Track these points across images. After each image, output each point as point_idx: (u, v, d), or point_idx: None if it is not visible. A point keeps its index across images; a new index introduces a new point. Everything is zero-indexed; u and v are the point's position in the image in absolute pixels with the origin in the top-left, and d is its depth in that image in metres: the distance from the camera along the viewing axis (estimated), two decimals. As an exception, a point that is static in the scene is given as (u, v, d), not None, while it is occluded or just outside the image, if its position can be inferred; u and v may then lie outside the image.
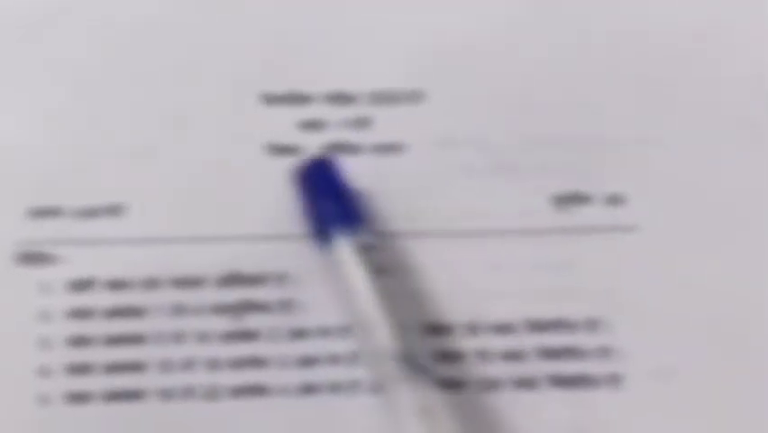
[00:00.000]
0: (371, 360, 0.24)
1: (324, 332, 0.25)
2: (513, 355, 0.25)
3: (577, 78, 0.28)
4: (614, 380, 0.25)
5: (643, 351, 0.26)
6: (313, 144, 0.27)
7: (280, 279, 0.26)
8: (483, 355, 0.26)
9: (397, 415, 0.23)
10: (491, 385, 0.25)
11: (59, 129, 0.26)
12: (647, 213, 0.27)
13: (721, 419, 0.25)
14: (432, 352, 0.25)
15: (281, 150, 0.27)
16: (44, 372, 0.25)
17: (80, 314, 0.25)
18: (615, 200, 0.27)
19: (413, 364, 0.23)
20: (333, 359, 0.25)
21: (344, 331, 0.26)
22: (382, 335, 0.23)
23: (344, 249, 0.24)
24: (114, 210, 0.26)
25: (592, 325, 0.26)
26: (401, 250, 0.26)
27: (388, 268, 0.25)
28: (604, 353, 0.26)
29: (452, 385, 0.25)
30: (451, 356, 0.26)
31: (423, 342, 0.25)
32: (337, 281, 0.25)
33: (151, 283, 0.26)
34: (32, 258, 0.26)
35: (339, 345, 0.25)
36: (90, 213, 0.26)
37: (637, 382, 0.25)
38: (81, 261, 0.26)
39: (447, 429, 0.23)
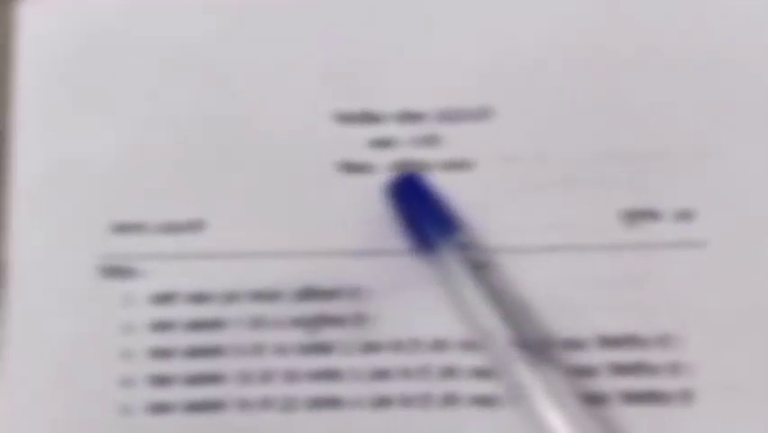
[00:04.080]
0: (492, 354, 0.25)
1: (397, 346, 0.26)
2: (584, 371, 0.26)
3: (643, 93, 0.28)
4: (685, 396, 0.26)
5: (714, 366, 0.26)
6: (384, 162, 0.27)
7: (354, 293, 0.26)
8: (554, 370, 0.26)
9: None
10: (562, 400, 0.26)
11: (141, 147, 0.27)
12: (717, 228, 0.27)
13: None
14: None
15: (353, 168, 0.27)
16: (127, 382, 0.26)
17: (162, 326, 0.26)
18: (684, 216, 0.27)
19: (533, 350, 0.24)
20: (406, 373, 0.26)
21: (415, 345, 0.26)
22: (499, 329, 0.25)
23: (450, 255, 0.25)
24: (194, 226, 0.27)
25: (663, 340, 0.26)
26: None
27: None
28: (675, 368, 0.26)
29: (520, 400, 0.26)
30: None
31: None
32: (445, 288, 0.25)
33: (231, 297, 0.26)
34: (116, 271, 0.27)
35: (411, 359, 0.26)
36: (172, 228, 0.27)
37: (709, 398, 0.25)
38: (163, 274, 0.27)
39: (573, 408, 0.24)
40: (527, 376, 0.24)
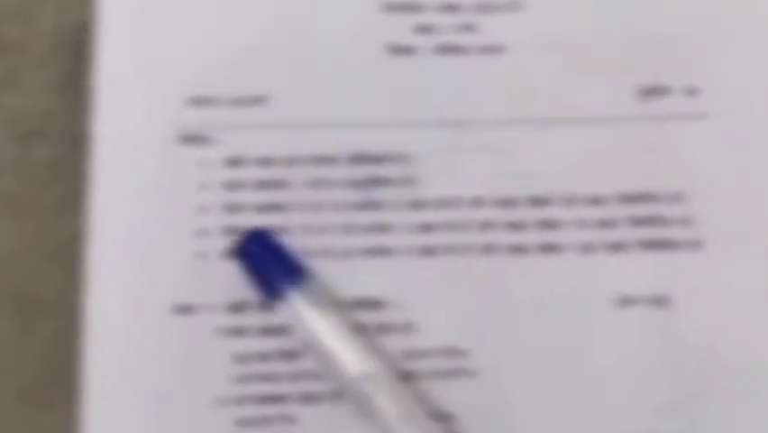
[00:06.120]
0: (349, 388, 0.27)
1: (441, 203, 0.29)
2: (606, 223, 0.29)
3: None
4: (695, 244, 0.29)
5: (720, 219, 0.29)
6: (426, 45, 0.31)
7: (401, 158, 0.30)
8: (580, 224, 0.29)
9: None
10: (587, 249, 0.29)
11: (214, 32, 0.31)
12: (719, 102, 0.30)
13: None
14: (533, 222, 0.30)
15: (399, 50, 0.31)
16: (202, 233, 0.29)
17: (233, 186, 0.30)
18: (691, 92, 0.30)
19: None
20: (450, 226, 0.29)
21: (456, 202, 0.30)
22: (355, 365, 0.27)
23: (300, 301, 0.27)
24: (260, 100, 0.30)
25: (675, 197, 0.30)
26: (501, 135, 0.30)
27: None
28: (686, 221, 0.29)
29: (549, 249, 0.29)
30: (550, 225, 0.29)
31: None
32: (299, 333, 0.28)
33: (292, 161, 0.30)
34: (192, 139, 0.30)
35: (453, 215, 0.29)
36: (240, 102, 0.30)
37: (715, 246, 0.29)
38: (233, 142, 0.30)
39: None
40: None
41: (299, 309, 0.27)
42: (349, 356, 0.27)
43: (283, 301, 0.28)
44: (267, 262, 0.28)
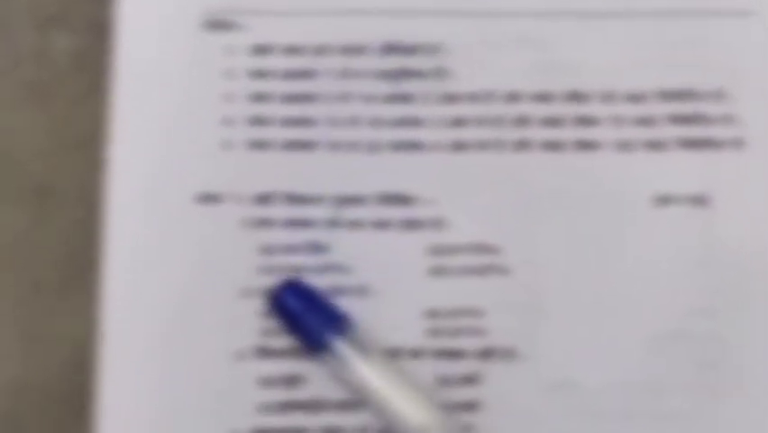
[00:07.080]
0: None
1: (473, 97, 0.29)
2: (645, 121, 0.28)
3: None
4: (736, 143, 0.28)
5: (763, 118, 0.28)
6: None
7: (434, 49, 0.29)
8: (618, 121, 0.28)
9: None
10: (625, 146, 0.28)
11: None
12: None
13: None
14: (569, 118, 0.29)
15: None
16: (228, 122, 0.28)
17: (260, 74, 0.29)
18: (738, -12, 0.30)
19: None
20: (483, 120, 0.28)
21: (490, 96, 0.29)
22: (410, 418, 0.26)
23: (347, 351, 0.26)
24: (288, -16, 0.30)
25: (718, 95, 0.29)
26: (538, 27, 0.29)
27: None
28: (728, 119, 0.28)
29: (586, 146, 0.28)
30: (587, 121, 0.28)
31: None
32: (345, 384, 0.27)
33: (322, 50, 0.29)
34: (218, 25, 0.29)
35: (486, 109, 0.28)
36: (268, -14, 0.30)
37: (757, 146, 0.28)
38: (261, 28, 0.29)
39: None
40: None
41: (348, 360, 0.26)
42: (408, 407, 0.26)
43: (328, 352, 0.26)
44: (306, 314, 0.27)
